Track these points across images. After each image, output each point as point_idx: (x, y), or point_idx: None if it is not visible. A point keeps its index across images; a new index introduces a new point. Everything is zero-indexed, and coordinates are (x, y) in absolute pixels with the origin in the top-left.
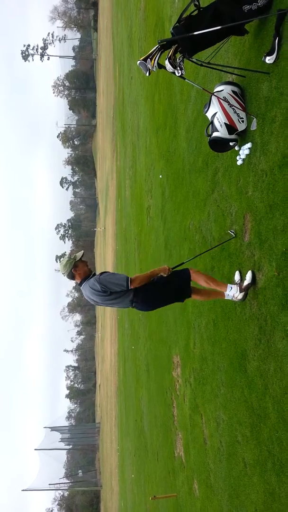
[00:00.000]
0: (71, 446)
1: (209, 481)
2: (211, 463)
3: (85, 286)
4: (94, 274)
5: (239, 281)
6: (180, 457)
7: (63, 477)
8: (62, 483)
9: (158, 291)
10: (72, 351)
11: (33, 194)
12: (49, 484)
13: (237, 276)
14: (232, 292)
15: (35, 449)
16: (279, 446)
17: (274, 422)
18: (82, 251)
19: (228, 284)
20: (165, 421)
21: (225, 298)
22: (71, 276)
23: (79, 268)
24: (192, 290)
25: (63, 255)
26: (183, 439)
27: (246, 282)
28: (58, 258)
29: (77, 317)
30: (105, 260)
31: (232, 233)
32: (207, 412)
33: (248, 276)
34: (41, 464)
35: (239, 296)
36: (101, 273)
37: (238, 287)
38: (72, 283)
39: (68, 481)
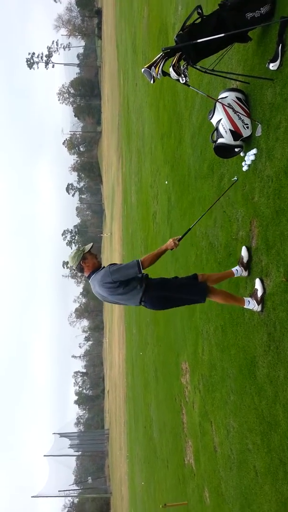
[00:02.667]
0: (80, 452)
1: (220, 489)
2: (222, 471)
3: (94, 279)
4: (104, 267)
5: (245, 261)
6: (190, 464)
7: (73, 484)
8: (71, 489)
9: (166, 285)
10: (80, 357)
11: (39, 200)
12: (59, 491)
13: (244, 252)
14: (251, 306)
15: (44, 456)
16: None
17: (285, 430)
18: (92, 243)
19: (245, 298)
20: (175, 428)
21: (245, 307)
22: (80, 269)
23: (88, 260)
24: (210, 290)
25: (72, 241)
26: (193, 446)
27: (259, 293)
28: (65, 263)
29: (85, 322)
30: None
31: (234, 180)
32: (217, 419)
33: (258, 285)
34: (50, 471)
35: (258, 308)
36: (110, 265)
37: (254, 300)
38: (79, 289)
39: (77, 488)
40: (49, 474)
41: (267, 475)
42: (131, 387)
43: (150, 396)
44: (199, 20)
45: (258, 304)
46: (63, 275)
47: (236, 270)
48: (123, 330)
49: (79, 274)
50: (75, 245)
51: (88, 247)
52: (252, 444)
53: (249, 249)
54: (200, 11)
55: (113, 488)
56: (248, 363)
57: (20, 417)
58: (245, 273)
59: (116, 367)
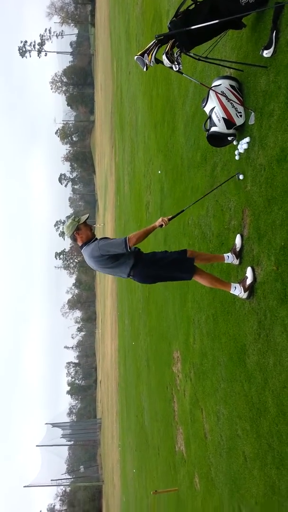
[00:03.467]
0: (72, 442)
1: (209, 475)
2: (212, 457)
3: (85, 250)
4: (96, 239)
5: (238, 249)
6: (181, 451)
7: (65, 473)
8: (64, 479)
9: (156, 262)
10: (72, 347)
11: (31, 191)
12: (51, 480)
13: (238, 240)
14: (237, 292)
15: (37, 446)
16: (278, 440)
17: (273, 416)
18: (88, 214)
19: (232, 284)
20: (166, 416)
21: (231, 292)
22: (73, 239)
23: (81, 231)
24: (196, 270)
25: (69, 217)
26: (183, 434)
27: (248, 281)
28: (57, 254)
29: (77, 313)
30: None
31: (238, 176)
32: (208, 407)
33: (249, 273)
34: (42, 461)
35: (244, 295)
36: (101, 238)
37: (241, 287)
38: (72, 280)
39: (70, 477)
40: (41, 464)
41: (255, 460)
42: (123, 377)
43: (142, 385)
44: (193, 6)
45: (245, 292)
46: (55, 266)
47: (228, 256)
48: (116, 321)
49: (72, 243)
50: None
51: (83, 218)
52: (242, 430)
53: (242, 238)
54: None
55: (105, 477)
56: (239, 351)
57: (12, 407)
58: (236, 261)
59: (109, 357)
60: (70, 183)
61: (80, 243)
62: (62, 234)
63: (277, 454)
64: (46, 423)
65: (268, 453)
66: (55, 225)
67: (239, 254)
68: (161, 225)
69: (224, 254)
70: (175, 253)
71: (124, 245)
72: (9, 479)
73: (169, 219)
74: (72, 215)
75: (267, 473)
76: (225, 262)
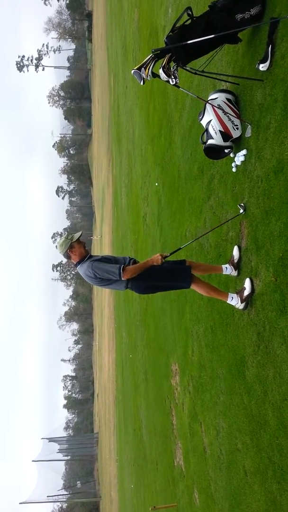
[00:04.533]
0: (69, 457)
1: (209, 490)
2: (211, 472)
3: (80, 268)
4: (91, 256)
5: (236, 260)
6: (180, 466)
7: (62, 489)
8: (60, 494)
9: (152, 274)
10: (69, 360)
11: (29, 203)
12: (47, 496)
13: (235, 252)
14: (234, 302)
15: (33, 461)
16: (279, 453)
17: (274, 429)
18: (81, 231)
19: (229, 294)
20: (164, 430)
21: (227, 301)
22: (67, 256)
23: (75, 249)
24: (193, 279)
25: (61, 234)
26: (182, 448)
27: (246, 292)
28: (54, 266)
29: (74, 326)
30: None
31: (241, 208)
32: (207, 420)
33: (247, 284)
34: (39, 476)
35: (241, 306)
36: (95, 259)
37: (238, 298)
38: (69, 292)
39: (66, 493)
40: (37, 479)
41: (256, 474)
42: (121, 390)
43: (140, 399)
44: (189, 21)
45: (242, 302)
46: (52, 278)
47: (226, 267)
48: (113, 333)
49: (67, 261)
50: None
51: (76, 235)
52: (242, 444)
53: (240, 249)
54: (190, 12)
55: (103, 492)
56: (238, 363)
57: (8, 422)
58: (234, 273)
59: (106, 370)
60: (67, 196)
61: (74, 261)
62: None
63: (278, 468)
64: (43, 438)
65: (269, 467)
66: (52, 237)
67: (237, 266)
68: (158, 264)
69: (222, 266)
70: (171, 263)
71: (118, 276)
72: (4, 495)
73: (166, 257)
74: (64, 233)
75: (268, 488)
76: (223, 273)
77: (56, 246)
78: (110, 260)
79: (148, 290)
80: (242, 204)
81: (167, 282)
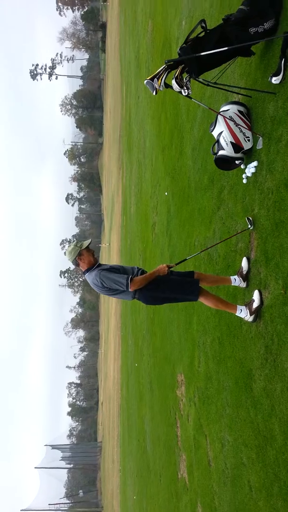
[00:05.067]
0: (72, 465)
1: (213, 504)
2: (216, 486)
3: (89, 276)
4: (100, 265)
5: (244, 272)
6: (184, 479)
7: (64, 497)
8: (62, 503)
9: (160, 285)
10: (74, 367)
11: (39, 209)
12: (49, 504)
13: (244, 263)
14: (242, 315)
15: (35, 468)
16: (285, 469)
17: (280, 444)
18: (90, 239)
19: (238, 306)
20: (169, 441)
21: (236, 314)
22: (76, 264)
23: (84, 256)
24: (201, 291)
25: (70, 241)
26: (186, 461)
27: (255, 304)
28: (62, 272)
29: (81, 333)
30: None
31: (249, 222)
32: (212, 433)
33: (256, 297)
34: (41, 483)
35: (250, 319)
36: (104, 269)
37: (248, 310)
38: (76, 298)
39: (68, 501)
40: (39, 486)
41: (261, 490)
42: (126, 399)
43: (145, 409)
44: (203, 33)
45: (251, 315)
46: (60, 285)
47: (234, 279)
48: (119, 341)
49: (75, 267)
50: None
51: (86, 243)
52: (247, 459)
53: (249, 260)
54: (204, 25)
55: (104, 502)
56: (245, 376)
57: (11, 427)
58: (243, 284)
59: (111, 379)
60: (77, 203)
61: (83, 269)
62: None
63: (283, 485)
64: (46, 445)
65: (275, 484)
66: (60, 244)
67: (246, 277)
68: (164, 274)
69: (231, 277)
70: (180, 274)
71: (125, 287)
72: (6, 502)
73: (171, 267)
74: (74, 240)
75: (273, 505)
76: (232, 284)
77: (65, 252)
78: (119, 270)
79: (155, 301)
80: (250, 219)
81: (175, 294)
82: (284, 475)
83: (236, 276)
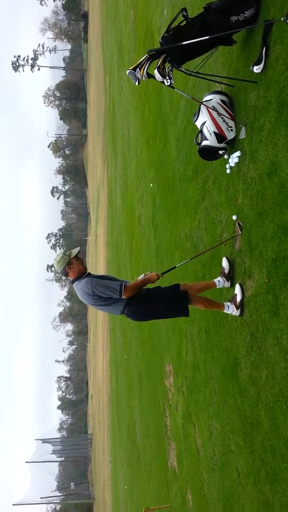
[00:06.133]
0: (63, 458)
1: (202, 491)
2: (205, 473)
3: (77, 285)
4: (89, 274)
5: (226, 271)
6: (173, 467)
7: (55, 490)
8: (54, 496)
9: (150, 301)
10: (63, 361)
11: (23, 203)
12: (41, 498)
13: (225, 263)
14: (230, 311)
15: (26, 462)
16: (272, 455)
17: (267, 430)
18: (79, 247)
19: (225, 303)
20: (158, 431)
21: (224, 311)
22: (65, 273)
23: (73, 265)
24: (191, 299)
25: (57, 243)
26: (176, 449)
27: (238, 298)
28: (49, 267)
29: (69, 326)
30: (97, 269)
31: (239, 227)
32: (200, 421)
33: (238, 290)
34: (32, 477)
35: (237, 313)
36: (95, 276)
37: (233, 305)
38: (64, 292)
39: (60, 494)
40: (31, 480)
41: (249, 476)
42: (115, 391)
43: (134, 400)
44: (184, 22)
45: (237, 309)
46: (47, 279)
47: (218, 281)
48: (107, 334)
49: (64, 277)
50: (60, 249)
51: (74, 251)
52: (235, 445)
53: (229, 260)
54: (185, 13)
55: (96, 494)
56: (231, 364)
57: (1, 423)
58: (227, 284)
59: (100, 371)
60: (62, 196)
61: (72, 278)
62: (53, 247)
63: (270, 470)
64: (36, 439)
65: (262, 469)
66: (47, 238)
67: (229, 276)
68: (153, 282)
69: (215, 280)
70: (167, 290)
71: (119, 293)
72: None
73: (161, 275)
74: (62, 248)
75: (260, 489)
76: (217, 287)
77: (53, 263)
78: (110, 278)
79: (144, 317)
80: (241, 224)
81: (165, 311)
82: (271, 460)
83: (219, 278)
